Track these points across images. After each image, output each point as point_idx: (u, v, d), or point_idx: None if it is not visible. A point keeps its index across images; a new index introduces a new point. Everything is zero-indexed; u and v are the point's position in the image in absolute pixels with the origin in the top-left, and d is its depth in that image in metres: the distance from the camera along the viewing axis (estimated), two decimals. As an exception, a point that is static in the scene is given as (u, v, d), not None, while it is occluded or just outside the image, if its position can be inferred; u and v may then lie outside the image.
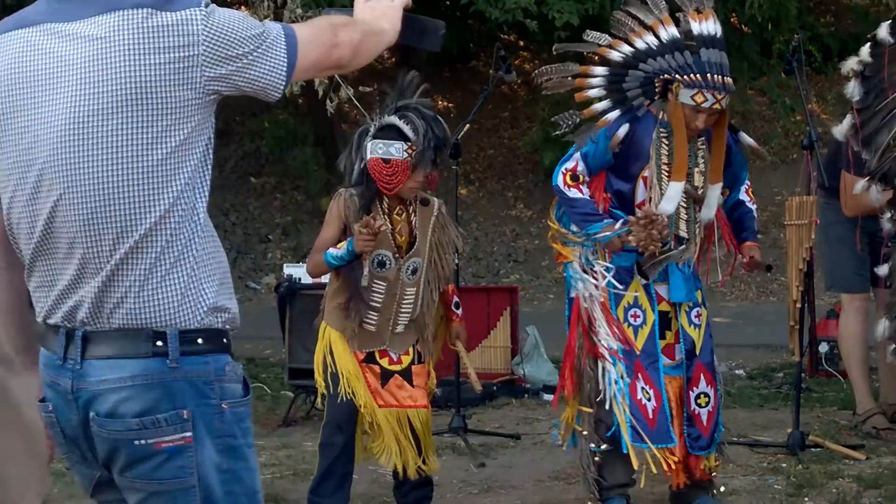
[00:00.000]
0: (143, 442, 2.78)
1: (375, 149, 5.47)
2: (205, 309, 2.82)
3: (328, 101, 9.81)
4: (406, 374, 5.62)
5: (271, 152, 15.01)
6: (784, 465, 6.57)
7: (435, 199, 5.75)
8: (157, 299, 2.79)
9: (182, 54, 2.78)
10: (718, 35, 5.54)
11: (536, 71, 5.75)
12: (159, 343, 2.77)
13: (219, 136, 12.90)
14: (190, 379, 2.80)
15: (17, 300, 3.21)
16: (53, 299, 2.85)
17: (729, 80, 5.50)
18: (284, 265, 8.55)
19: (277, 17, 9.88)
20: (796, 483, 6.21)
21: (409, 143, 5.44)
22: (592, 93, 5.61)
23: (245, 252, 13.72)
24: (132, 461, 2.80)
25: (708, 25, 5.56)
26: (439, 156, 5.61)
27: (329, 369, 5.56)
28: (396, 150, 5.44)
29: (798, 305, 6.77)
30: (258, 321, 10.89)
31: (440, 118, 5.61)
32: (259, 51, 2.85)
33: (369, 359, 5.58)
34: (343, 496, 5.60)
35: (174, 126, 2.81)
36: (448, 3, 14.81)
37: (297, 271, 7.92)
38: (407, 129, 5.47)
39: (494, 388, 8.48)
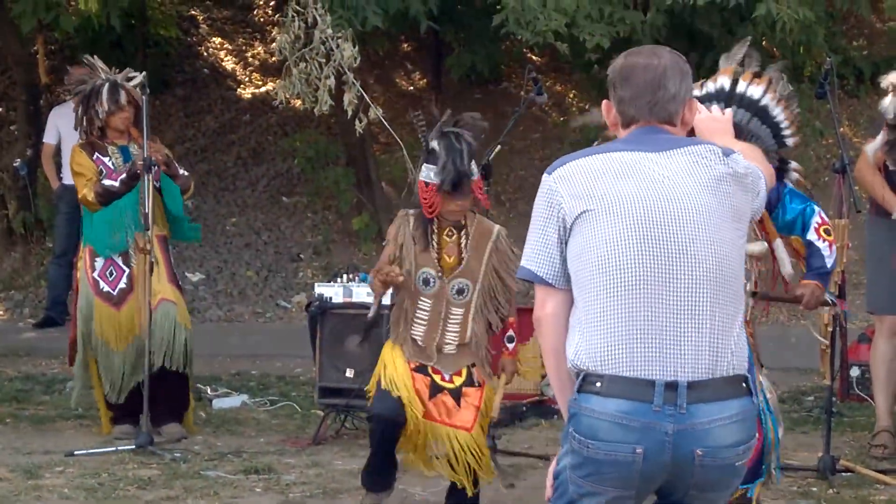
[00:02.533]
0: (739, 463, 3.61)
1: (422, 173, 5.71)
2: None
3: (357, 121, 9.83)
4: (455, 394, 5.73)
5: (303, 172, 15.03)
6: (815, 489, 6.55)
7: (496, 226, 5.87)
8: (741, 352, 3.61)
9: (745, 185, 3.70)
10: (760, 102, 5.38)
11: None
12: (745, 385, 3.60)
13: (251, 157, 12.86)
14: (755, 412, 3.66)
15: None
16: (654, 354, 3.53)
17: None
18: (315, 284, 8.56)
19: (308, 37, 9.90)
20: (827, 507, 6.19)
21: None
22: None
23: (276, 271, 13.73)
24: (726, 479, 3.63)
25: (754, 89, 5.42)
26: (459, 187, 5.69)
27: (381, 375, 5.83)
28: (435, 174, 5.58)
29: (829, 329, 6.75)
30: (288, 339, 10.91)
31: (469, 150, 5.72)
32: (763, 187, 3.79)
33: (420, 369, 5.79)
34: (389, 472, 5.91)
35: (744, 238, 3.74)
36: (479, 23, 14.82)
37: (328, 290, 7.94)
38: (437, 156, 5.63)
39: (524, 408, 8.47)
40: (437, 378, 5.78)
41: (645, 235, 3.57)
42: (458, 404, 5.76)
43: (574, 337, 3.65)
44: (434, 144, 5.70)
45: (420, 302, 5.76)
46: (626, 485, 3.58)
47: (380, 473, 5.92)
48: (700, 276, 3.56)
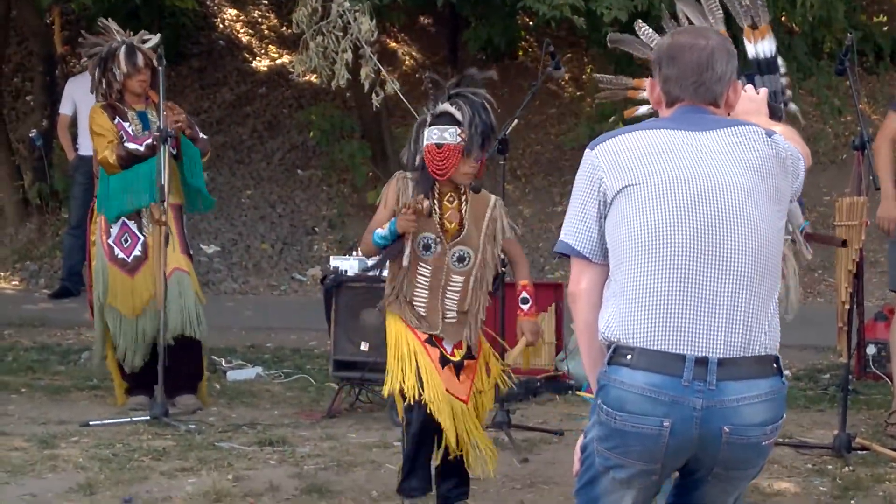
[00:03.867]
0: (765, 443, 3.62)
1: (431, 135, 5.59)
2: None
3: (374, 95, 9.81)
4: (458, 367, 5.70)
5: (318, 145, 15.03)
6: (830, 467, 6.53)
7: (492, 194, 5.83)
8: (774, 332, 3.64)
9: (786, 167, 3.72)
10: (773, 55, 5.36)
11: (595, 75, 5.57)
12: (774, 365, 3.62)
13: (267, 129, 12.86)
14: (783, 392, 3.67)
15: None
16: (687, 329, 3.53)
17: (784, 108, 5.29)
18: (331, 257, 8.55)
19: (325, 10, 9.87)
20: (842, 486, 6.17)
21: (462, 128, 5.53)
22: (642, 109, 5.40)
23: (291, 244, 13.74)
24: (752, 458, 3.64)
25: (764, 46, 5.33)
26: (487, 143, 5.67)
27: (397, 351, 5.69)
28: (450, 134, 5.57)
29: (847, 307, 6.73)
30: (303, 312, 10.93)
31: (488, 106, 5.67)
32: (802, 169, 3.80)
33: (429, 341, 5.68)
34: (428, 475, 5.74)
35: (784, 219, 3.75)
36: (497, -2, 14.78)
37: (344, 264, 7.94)
38: (458, 114, 5.55)
39: (538, 383, 8.46)
40: (443, 350, 5.72)
41: (687, 212, 3.58)
42: (458, 377, 5.74)
43: (607, 309, 3.66)
44: (447, 107, 5.63)
45: (420, 268, 5.66)
46: (651, 458, 3.59)
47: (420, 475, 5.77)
48: (740, 255, 3.57)
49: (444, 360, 5.69)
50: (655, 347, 3.54)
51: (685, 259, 3.56)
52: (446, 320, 5.69)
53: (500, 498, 6.11)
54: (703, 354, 3.52)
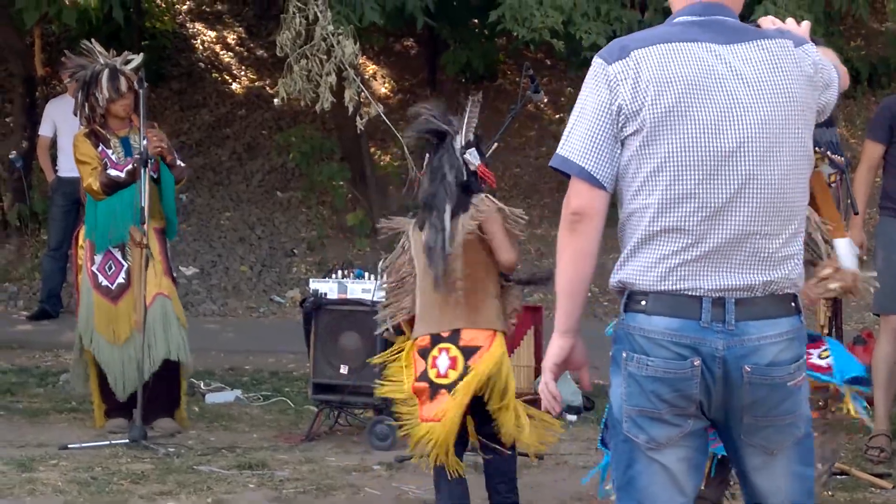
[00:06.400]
0: (791, 383, 3.52)
1: (479, 156, 6.10)
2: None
3: (358, 117, 9.84)
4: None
5: (297, 167, 15.03)
6: (809, 490, 6.53)
7: None
8: (796, 271, 3.54)
9: (814, 82, 3.57)
10: None
11: None
12: (793, 304, 3.53)
13: (246, 151, 12.80)
14: (804, 332, 3.60)
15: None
16: (709, 269, 3.45)
17: None
18: (310, 280, 8.54)
19: (309, 34, 9.89)
20: (821, 509, 6.18)
21: None
22: None
23: (270, 266, 13.72)
24: (780, 400, 3.51)
25: None
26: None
27: None
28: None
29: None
30: (282, 335, 10.90)
31: None
32: (835, 78, 3.67)
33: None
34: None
35: (811, 137, 3.58)
36: (476, 20, 14.81)
37: (323, 286, 7.92)
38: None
39: (518, 407, 8.44)
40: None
41: (711, 156, 3.43)
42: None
43: (624, 253, 3.54)
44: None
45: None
46: (687, 399, 3.48)
47: None
48: (764, 201, 3.45)
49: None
50: (669, 290, 3.46)
51: (708, 206, 3.44)
52: None
53: (480, 522, 6.11)
54: (720, 295, 3.45)
